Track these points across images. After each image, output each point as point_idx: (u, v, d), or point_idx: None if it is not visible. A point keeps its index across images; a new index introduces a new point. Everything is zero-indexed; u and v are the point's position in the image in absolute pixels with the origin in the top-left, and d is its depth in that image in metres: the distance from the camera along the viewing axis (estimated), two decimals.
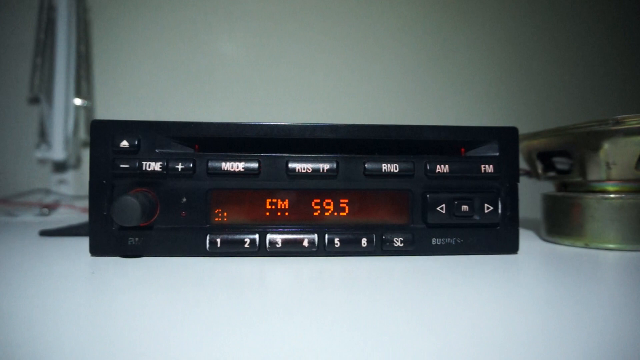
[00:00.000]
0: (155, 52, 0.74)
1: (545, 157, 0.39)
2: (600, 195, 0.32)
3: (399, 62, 0.78)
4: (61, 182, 0.65)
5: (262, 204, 0.30)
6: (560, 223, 0.35)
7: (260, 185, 0.29)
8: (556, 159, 0.40)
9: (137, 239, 0.28)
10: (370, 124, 0.30)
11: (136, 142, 0.29)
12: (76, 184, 0.66)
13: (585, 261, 0.29)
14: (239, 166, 0.29)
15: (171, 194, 0.29)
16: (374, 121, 0.35)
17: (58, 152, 0.62)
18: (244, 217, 0.30)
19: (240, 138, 0.29)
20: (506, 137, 0.31)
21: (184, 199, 0.29)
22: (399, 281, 0.24)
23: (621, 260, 0.29)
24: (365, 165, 0.29)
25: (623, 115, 0.30)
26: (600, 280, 0.25)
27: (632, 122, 0.30)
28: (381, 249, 0.30)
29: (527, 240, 0.37)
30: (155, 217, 0.29)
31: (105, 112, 0.73)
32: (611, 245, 0.32)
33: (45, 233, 0.38)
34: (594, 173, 0.32)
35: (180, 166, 0.28)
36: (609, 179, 0.32)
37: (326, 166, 0.29)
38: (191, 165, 0.29)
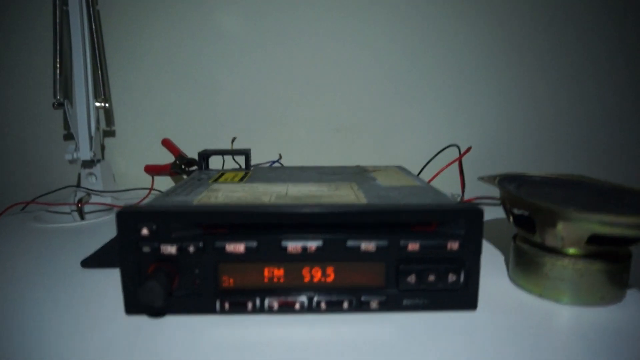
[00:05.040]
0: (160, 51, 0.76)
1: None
2: (555, 257, 0.37)
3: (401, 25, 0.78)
4: (89, 174, 0.72)
5: (260, 273, 0.36)
6: (522, 269, 0.40)
7: (259, 259, 0.35)
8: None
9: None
10: (352, 210, 0.35)
11: (154, 228, 0.34)
12: (102, 176, 0.72)
13: (532, 313, 0.36)
14: (240, 247, 0.34)
15: (186, 267, 0.35)
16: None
17: (85, 153, 0.67)
18: (246, 284, 0.36)
19: (242, 223, 0.35)
20: (472, 218, 0.35)
21: (197, 270, 0.35)
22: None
23: (566, 313, 0.36)
24: (347, 244, 0.35)
25: None
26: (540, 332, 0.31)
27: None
28: (360, 308, 0.36)
29: (494, 277, 0.43)
30: (175, 285, 0.35)
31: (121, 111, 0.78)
32: (562, 299, 0.37)
33: (85, 264, 0.46)
34: (551, 241, 0.37)
35: (192, 248, 0.34)
36: (562, 247, 0.36)
37: (313, 245, 0.35)
38: (201, 245, 0.34)
